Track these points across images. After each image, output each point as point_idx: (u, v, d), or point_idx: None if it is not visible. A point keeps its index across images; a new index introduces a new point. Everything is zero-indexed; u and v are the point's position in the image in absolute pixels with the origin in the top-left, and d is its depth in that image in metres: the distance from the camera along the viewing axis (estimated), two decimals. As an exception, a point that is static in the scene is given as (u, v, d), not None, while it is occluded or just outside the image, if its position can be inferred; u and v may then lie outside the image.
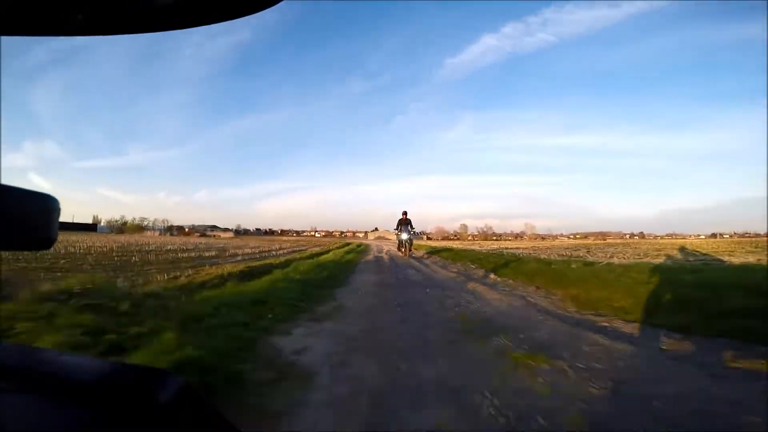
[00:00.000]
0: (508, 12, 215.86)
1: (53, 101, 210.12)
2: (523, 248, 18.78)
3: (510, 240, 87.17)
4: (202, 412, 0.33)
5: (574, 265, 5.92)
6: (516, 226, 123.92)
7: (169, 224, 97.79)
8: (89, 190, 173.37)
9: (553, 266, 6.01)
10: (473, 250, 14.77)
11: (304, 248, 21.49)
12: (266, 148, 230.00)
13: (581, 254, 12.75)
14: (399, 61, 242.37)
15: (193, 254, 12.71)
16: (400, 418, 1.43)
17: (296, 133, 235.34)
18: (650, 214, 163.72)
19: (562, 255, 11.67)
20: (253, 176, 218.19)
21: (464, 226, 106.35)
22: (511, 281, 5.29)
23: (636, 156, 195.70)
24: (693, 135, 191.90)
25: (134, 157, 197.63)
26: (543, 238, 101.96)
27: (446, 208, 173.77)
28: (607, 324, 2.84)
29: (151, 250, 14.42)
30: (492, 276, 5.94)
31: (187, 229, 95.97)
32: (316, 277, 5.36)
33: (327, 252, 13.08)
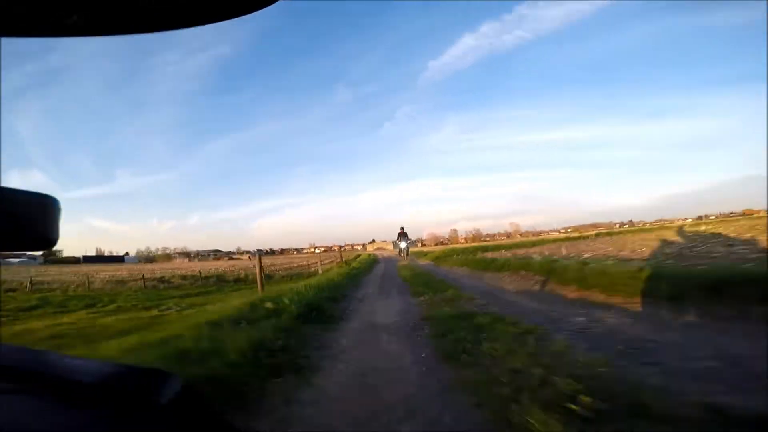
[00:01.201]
0: (483, 11, 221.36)
1: (36, 129, 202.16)
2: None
3: (501, 240, 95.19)
4: (202, 411, 0.34)
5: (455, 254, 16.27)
6: (509, 225, 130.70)
7: (187, 251, 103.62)
8: (81, 222, 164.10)
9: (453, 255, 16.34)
10: (441, 252, 23.27)
11: (331, 260, 30.18)
12: (256, 166, 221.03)
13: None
14: (382, 67, 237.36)
15: (291, 266, 22.69)
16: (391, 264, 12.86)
17: (285, 148, 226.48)
18: (640, 202, 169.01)
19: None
20: (245, 196, 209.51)
21: (455, 231, 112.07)
22: (419, 260, 16.28)
23: (622, 146, 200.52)
24: (675, 122, 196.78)
25: (122, 184, 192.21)
26: (533, 235, 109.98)
27: (440, 212, 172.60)
28: (434, 264, 13.40)
29: (244, 268, 24.42)
30: (416, 259, 17.39)
31: (192, 255, 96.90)
32: (369, 262, 16.73)
33: (356, 258, 23.66)
